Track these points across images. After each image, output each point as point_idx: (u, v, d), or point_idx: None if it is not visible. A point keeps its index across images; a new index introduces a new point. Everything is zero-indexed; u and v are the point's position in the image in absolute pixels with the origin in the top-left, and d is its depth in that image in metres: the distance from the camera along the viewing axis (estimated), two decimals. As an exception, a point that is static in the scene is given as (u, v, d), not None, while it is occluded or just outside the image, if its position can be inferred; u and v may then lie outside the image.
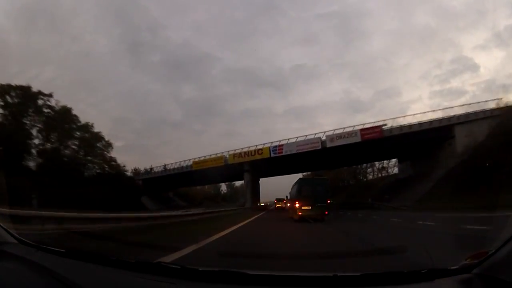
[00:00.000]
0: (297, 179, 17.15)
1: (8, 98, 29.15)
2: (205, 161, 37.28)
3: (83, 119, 35.24)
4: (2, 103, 28.68)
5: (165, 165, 41.03)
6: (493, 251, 1.21)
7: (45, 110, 31.54)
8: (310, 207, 12.61)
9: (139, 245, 5.09)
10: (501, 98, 27.08)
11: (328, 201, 13.34)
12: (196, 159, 37.82)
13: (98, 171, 35.65)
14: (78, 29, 69.37)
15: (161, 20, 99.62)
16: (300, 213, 12.69)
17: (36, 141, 31.00)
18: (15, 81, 30.07)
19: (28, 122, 30.34)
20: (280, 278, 1.36)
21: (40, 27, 57.66)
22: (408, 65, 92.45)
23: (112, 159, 37.96)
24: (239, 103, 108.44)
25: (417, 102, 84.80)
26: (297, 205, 13.03)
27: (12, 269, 1.38)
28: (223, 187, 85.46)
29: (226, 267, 1.41)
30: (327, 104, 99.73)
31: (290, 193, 17.98)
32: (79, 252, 1.78)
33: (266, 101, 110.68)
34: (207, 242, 6.07)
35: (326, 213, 12.62)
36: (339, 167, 47.64)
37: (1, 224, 1.74)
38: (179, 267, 1.53)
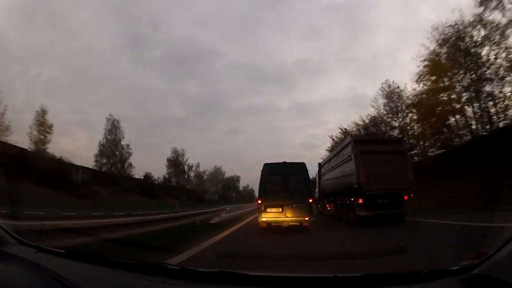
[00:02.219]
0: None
1: None
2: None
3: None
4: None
5: None
6: (493, 251, 1.22)
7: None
8: (279, 210, 8.27)
9: None
10: None
11: (310, 200, 8.90)
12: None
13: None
14: (78, 24, 68.81)
15: (162, 13, 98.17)
16: (264, 218, 8.37)
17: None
18: (17, 82, 27.30)
19: None
20: (279, 278, 1.36)
21: (39, 24, 57.19)
22: (414, 60, 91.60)
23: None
24: (243, 99, 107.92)
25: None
26: (261, 207, 8.53)
27: (12, 270, 1.38)
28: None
29: (226, 268, 1.42)
30: (332, 100, 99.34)
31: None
32: (79, 253, 1.79)
33: (271, 98, 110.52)
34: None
35: (307, 218, 8.23)
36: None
37: (1, 225, 1.74)
38: (179, 268, 1.54)
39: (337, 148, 12.76)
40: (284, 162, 9.23)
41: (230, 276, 1.37)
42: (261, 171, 8.91)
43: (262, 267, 3.57)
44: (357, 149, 9.59)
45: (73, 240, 4.68)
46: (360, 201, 9.16)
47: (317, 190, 17.74)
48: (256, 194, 11.24)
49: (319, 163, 16.98)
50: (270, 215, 8.36)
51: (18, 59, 49.62)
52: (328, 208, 13.99)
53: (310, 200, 8.83)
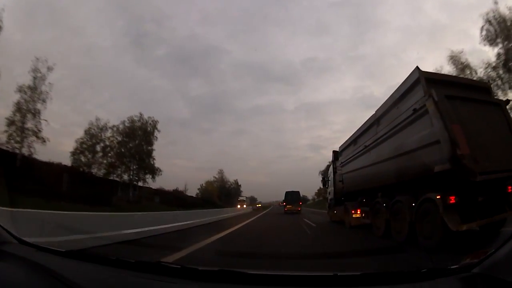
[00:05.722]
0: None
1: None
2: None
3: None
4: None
5: None
6: (493, 250, 1.22)
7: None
8: (291, 205, 26.77)
9: None
10: None
11: (300, 203, 28.66)
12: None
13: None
14: (80, 22, 67.16)
15: (166, 10, 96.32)
16: (285, 209, 26.87)
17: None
18: (19, 83, 24.47)
19: None
20: (279, 277, 1.36)
21: (40, 23, 55.91)
22: (422, 58, 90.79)
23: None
24: (249, 99, 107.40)
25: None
26: (285, 205, 27.86)
27: (12, 269, 1.38)
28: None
29: (226, 267, 1.42)
30: (339, 101, 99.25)
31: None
32: (79, 252, 1.78)
33: (277, 98, 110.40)
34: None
35: (299, 209, 26.80)
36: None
37: (1, 224, 1.74)
38: (179, 266, 1.53)
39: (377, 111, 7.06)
40: (292, 191, 29.07)
41: (230, 274, 1.37)
42: (285, 194, 28.81)
43: (262, 266, 3.58)
44: (440, 93, 4.83)
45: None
46: (453, 199, 4.53)
47: (330, 190, 13.02)
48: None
49: (334, 151, 11.91)
50: (288, 207, 26.75)
51: (20, 59, 48.79)
52: (353, 216, 8.72)
53: (300, 203, 28.70)
